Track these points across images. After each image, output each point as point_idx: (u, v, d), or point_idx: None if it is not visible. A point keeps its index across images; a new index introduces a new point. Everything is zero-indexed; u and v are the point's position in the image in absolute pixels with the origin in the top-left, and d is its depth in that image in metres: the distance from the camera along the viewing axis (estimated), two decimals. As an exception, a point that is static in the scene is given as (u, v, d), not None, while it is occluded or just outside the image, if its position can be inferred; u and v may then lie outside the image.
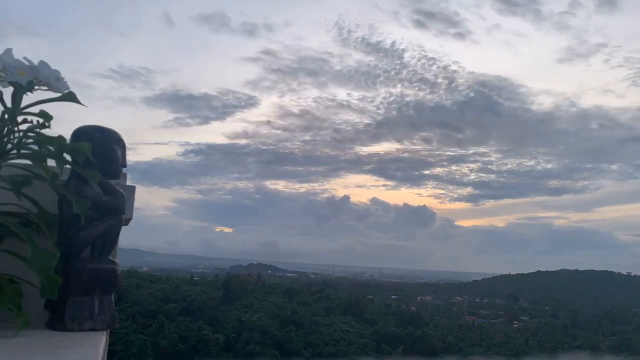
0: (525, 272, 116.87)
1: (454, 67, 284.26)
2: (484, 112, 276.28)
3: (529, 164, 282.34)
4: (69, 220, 1.17)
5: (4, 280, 1.05)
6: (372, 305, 55.51)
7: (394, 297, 75.74)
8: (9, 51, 0.99)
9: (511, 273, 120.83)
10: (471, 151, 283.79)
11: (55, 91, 1.04)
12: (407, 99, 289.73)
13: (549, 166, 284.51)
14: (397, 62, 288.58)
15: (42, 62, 1.01)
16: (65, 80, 1.04)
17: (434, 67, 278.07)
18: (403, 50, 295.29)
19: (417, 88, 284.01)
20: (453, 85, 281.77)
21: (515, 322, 62.81)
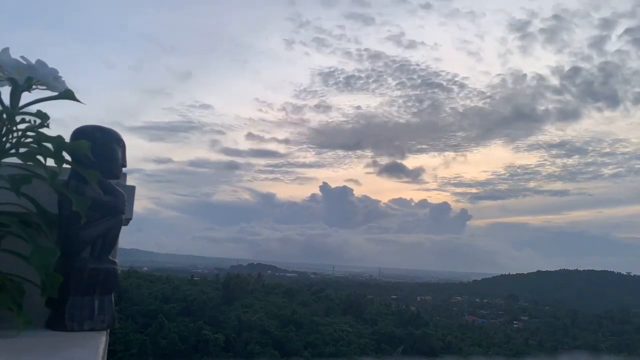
0: (525, 272, 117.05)
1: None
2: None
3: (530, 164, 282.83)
4: (69, 220, 1.17)
5: (5, 278, 1.05)
6: (372, 305, 55.52)
7: (394, 297, 75.72)
8: (6, 50, 0.98)
9: (511, 273, 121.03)
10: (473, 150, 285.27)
11: (53, 90, 1.03)
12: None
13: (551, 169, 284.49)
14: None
15: (39, 61, 1.01)
16: (63, 79, 1.03)
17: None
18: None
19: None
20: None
21: (515, 322, 62.84)
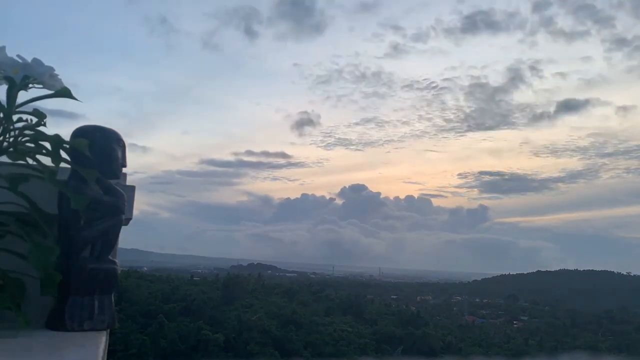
0: (525, 272, 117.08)
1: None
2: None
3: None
4: (69, 220, 1.16)
5: (6, 277, 1.04)
6: (372, 305, 55.52)
7: (394, 297, 75.70)
8: (2, 49, 0.98)
9: (511, 273, 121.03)
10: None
11: (49, 89, 1.02)
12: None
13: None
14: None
15: (35, 60, 1.00)
16: (59, 76, 1.02)
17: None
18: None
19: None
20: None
21: (515, 322, 62.80)
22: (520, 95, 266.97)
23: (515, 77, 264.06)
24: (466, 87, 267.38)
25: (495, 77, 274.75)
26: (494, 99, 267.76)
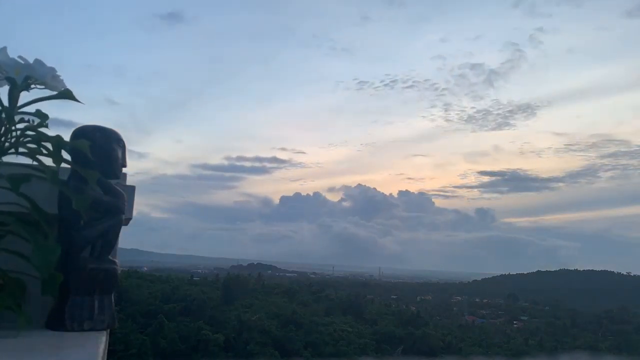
0: (525, 272, 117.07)
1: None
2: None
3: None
4: (69, 220, 1.17)
5: (7, 277, 1.04)
6: (372, 305, 55.50)
7: (394, 297, 75.68)
8: (4, 49, 0.98)
9: (511, 273, 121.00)
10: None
11: (51, 90, 1.02)
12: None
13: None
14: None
15: (37, 61, 1.00)
16: (61, 78, 1.02)
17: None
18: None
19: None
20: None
21: (515, 322, 62.76)
22: (520, 80, 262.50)
23: (512, 59, 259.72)
24: (456, 66, 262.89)
25: (491, 55, 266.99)
26: (492, 85, 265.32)
